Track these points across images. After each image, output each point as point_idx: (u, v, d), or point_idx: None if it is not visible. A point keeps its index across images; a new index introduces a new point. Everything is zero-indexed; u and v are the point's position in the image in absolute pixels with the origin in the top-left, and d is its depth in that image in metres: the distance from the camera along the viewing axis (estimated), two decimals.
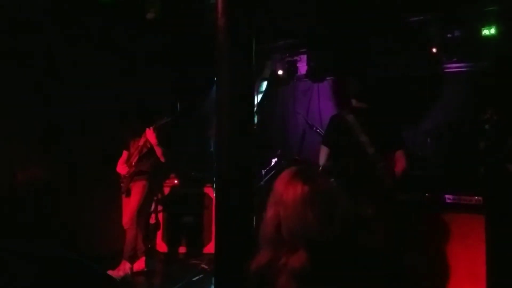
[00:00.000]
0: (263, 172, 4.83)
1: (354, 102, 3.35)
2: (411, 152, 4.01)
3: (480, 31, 4.28)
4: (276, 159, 4.92)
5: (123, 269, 4.18)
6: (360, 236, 1.41)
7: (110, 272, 3.96)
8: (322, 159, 3.33)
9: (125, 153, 4.39)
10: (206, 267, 4.40)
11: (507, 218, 3.24)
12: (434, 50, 4.46)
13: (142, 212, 4.39)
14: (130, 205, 4.25)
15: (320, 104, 5.67)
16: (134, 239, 4.24)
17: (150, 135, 4.16)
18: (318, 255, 1.30)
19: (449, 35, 4.44)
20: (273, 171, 4.82)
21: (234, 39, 2.19)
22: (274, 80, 5.55)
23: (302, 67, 5.52)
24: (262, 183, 4.70)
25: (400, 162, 3.21)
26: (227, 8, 2.16)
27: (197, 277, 4.22)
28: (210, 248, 4.80)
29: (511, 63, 4.20)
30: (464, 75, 4.72)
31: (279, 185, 1.42)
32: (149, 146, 4.25)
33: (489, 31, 4.24)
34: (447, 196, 3.46)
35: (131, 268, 4.24)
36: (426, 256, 3.43)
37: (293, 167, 1.48)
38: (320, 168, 3.29)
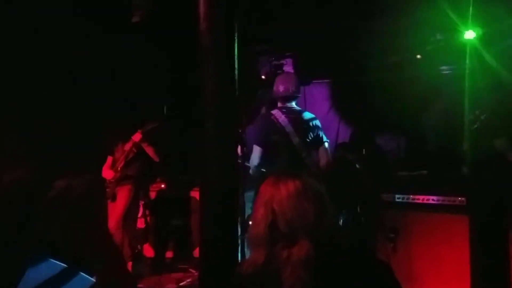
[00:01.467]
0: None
1: (280, 102, 3.68)
2: (395, 153, 4.08)
3: (461, 35, 4.35)
4: None
5: None
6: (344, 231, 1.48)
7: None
8: (256, 159, 3.51)
9: (109, 158, 4.37)
10: (194, 271, 4.38)
11: (490, 218, 3.28)
12: (417, 54, 4.54)
13: (128, 216, 4.36)
14: (116, 210, 4.22)
15: (307, 107, 5.70)
16: (120, 244, 4.20)
17: (138, 138, 4.16)
18: (318, 244, 1.37)
19: (431, 39, 4.52)
20: None
21: (217, 43, 2.20)
22: (259, 84, 5.56)
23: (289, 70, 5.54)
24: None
25: (321, 157, 3.62)
26: (209, 11, 2.16)
27: (185, 282, 4.21)
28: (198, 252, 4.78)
29: (491, 66, 4.27)
30: (447, 78, 4.79)
31: (267, 187, 1.49)
32: (135, 150, 4.24)
33: (470, 35, 4.32)
34: (430, 197, 3.50)
35: None
36: (409, 256, 3.46)
37: (275, 171, 1.60)
38: (254, 168, 3.49)
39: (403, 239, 3.49)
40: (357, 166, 3.45)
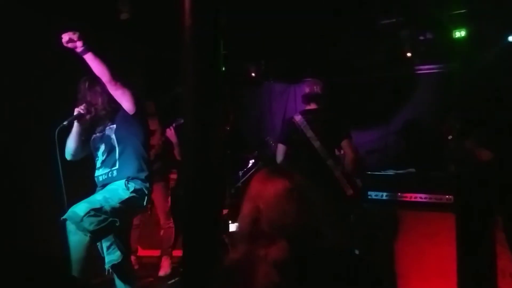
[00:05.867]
0: (240, 173, 4.82)
1: (303, 105, 3.72)
2: (383, 151, 4.09)
3: (451, 34, 4.37)
4: (253, 160, 4.92)
5: (167, 265, 4.29)
6: (329, 233, 1.45)
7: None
8: (279, 156, 3.62)
9: None
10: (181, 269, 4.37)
11: (477, 216, 3.30)
12: (406, 52, 4.55)
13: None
14: (160, 207, 4.35)
15: (297, 105, 5.69)
16: (172, 237, 4.36)
17: (171, 134, 4.19)
18: (297, 246, 1.35)
19: (421, 37, 4.54)
20: (250, 172, 4.82)
21: (201, 41, 2.18)
22: (248, 81, 5.55)
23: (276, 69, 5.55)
24: (239, 184, 4.69)
25: (347, 153, 3.52)
26: (194, 8, 2.14)
27: (174, 280, 4.19)
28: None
29: (480, 64, 4.30)
30: (435, 76, 4.81)
31: (256, 182, 1.48)
32: (163, 146, 4.28)
33: (460, 34, 4.34)
34: (418, 194, 3.51)
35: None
36: (396, 254, 3.47)
37: (268, 167, 1.57)
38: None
39: (389, 237, 3.50)
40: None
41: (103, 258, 2.79)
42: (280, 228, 1.37)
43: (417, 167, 3.87)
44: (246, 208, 1.45)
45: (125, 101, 2.69)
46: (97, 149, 2.81)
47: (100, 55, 2.62)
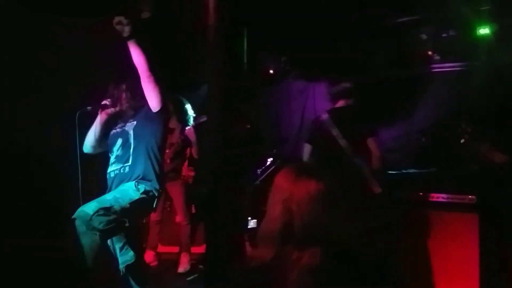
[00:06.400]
0: (259, 171, 4.82)
1: (329, 103, 3.72)
2: (403, 150, 4.04)
3: (475, 31, 4.29)
4: (271, 159, 4.92)
5: (186, 261, 4.33)
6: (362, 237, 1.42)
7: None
8: (306, 155, 3.64)
9: None
10: (201, 266, 4.40)
11: (500, 217, 3.25)
12: (428, 50, 4.49)
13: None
14: (178, 205, 4.40)
15: (316, 103, 5.66)
16: (191, 234, 4.41)
17: (190, 133, 4.22)
18: (331, 251, 1.32)
19: (443, 35, 4.46)
20: (268, 170, 4.81)
21: (225, 37, 2.19)
22: (267, 78, 5.53)
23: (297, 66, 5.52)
24: (257, 182, 4.70)
25: (373, 151, 3.46)
26: (218, 5, 2.15)
27: (192, 277, 4.22)
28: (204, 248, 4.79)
29: (504, 62, 4.21)
30: (458, 74, 4.73)
31: (285, 182, 1.43)
32: (183, 144, 4.30)
33: (483, 31, 4.26)
34: (440, 194, 3.46)
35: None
36: (419, 255, 3.43)
37: (296, 164, 1.50)
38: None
39: (412, 238, 3.46)
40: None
41: (117, 259, 2.78)
42: (314, 232, 1.34)
43: (439, 166, 3.82)
44: (277, 209, 1.40)
45: (154, 97, 2.69)
46: (114, 144, 2.83)
47: (142, 46, 2.64)
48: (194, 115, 4.40)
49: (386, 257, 1.49)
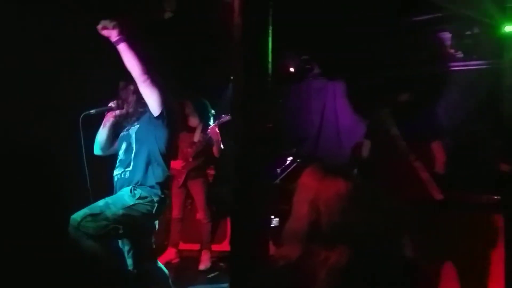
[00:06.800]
0: (278, 170, 4.83)
1: (389, 96, 3.37)
2: None
3: (501, 28, 4.21)
4: (291, 158, 4.92)
5: (207, 259, 4.40)
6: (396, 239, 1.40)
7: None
8: (364, 152, 3.37)
9: None
10: (222, 264, 4.44)
11: None
12: (452, 48, 4.43)
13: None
14: (199, 203, 4.48)
15: (336, 102, 5.64)
16: (211, 231, 4.50)
17: (214, 132, 4.28)
18: (360, 252, 1.30)
19: (468, 33, 4.40)
20: (288, 170, 4.82)
21: (251, 38, 2.21)
22: (285, 78, 5.52)
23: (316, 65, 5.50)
24: (277, 181, 4.71)
25: (438, 156, 3.12)
26: (244, 6, 2.17)
27: (213, 274, 4.26)
28: (224, 245, 4.84)
29: None
30: (483, 73, 4.65)
31: (312, 181, 1.42)
32: (205, 143, 4.36)
33: (510, 28, 4.17)
34: (468, 195, 3.40)
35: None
36: (447, 256, 3.37)
37: (322, 163, 1.48)
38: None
39: (437, 239, 3.41)
40: None
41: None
42: (343, 232, 1.33)
43: (464, 167, 3.76)
44: (303, 208, 1.39)
45: (152, 101, 2.62)
46: (120, 147, 2.79)
47: (134, 49, 2.55)
48: (215, 114, 4.46)
49: (416, 258, 1.47)
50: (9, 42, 3.06)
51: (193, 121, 4.55)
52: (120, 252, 2.77)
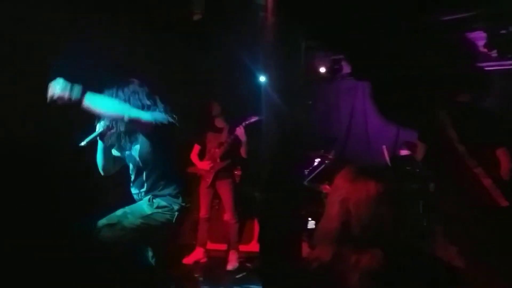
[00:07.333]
0: (306, 171, 4.81)
1: (450, 95, 3.13)
2: None
3: None
4: (319, 159, 4.89)
5: (235, 259, 4.43)
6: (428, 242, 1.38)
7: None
8: (420, 155, 3.14)
9: (197, 147, 4.62)
10: (249, 265, 4.44)
11: None
12: (486, 47, 4.31)
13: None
14: (227, 204, 4.50)
15: (365, 103, 5.57)
16: (238, 232, 4.54)
17: (241, 133, 4.32)
18: (391, 255, 1.29)
19: (502, 31, 4.28)
20: (316, 171, 4.79)
21: (284, 39, 2.21)
22: (314, 78, 5.48)
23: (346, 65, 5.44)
24: (305, 182, 4.69)
25: (503, 163, 2.88)
26: (277, 7, 2.17)
27: (241, 275, 4.27)
28: (251, 246, 4.84)
29: None
30: None
31: (343, 182, 1.41)
32: (232, 143, 4.41)
33: None
34: None
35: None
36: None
37: (356, 165, 1.47)
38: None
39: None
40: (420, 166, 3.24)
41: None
42: (373, 234, 1.32)
43: None
44: (334, 209, 1.39)
45: (140, 128, 2.51)
46: (128, 167, 2.72)
47: (93, 102, 2.31)
48: (241, 115, 4.47)
49: (451, 261, 1.43)
50: (10, 42, 3.07)
51: (221, 122, 4.59)
52: (144, 257, 2.77)
